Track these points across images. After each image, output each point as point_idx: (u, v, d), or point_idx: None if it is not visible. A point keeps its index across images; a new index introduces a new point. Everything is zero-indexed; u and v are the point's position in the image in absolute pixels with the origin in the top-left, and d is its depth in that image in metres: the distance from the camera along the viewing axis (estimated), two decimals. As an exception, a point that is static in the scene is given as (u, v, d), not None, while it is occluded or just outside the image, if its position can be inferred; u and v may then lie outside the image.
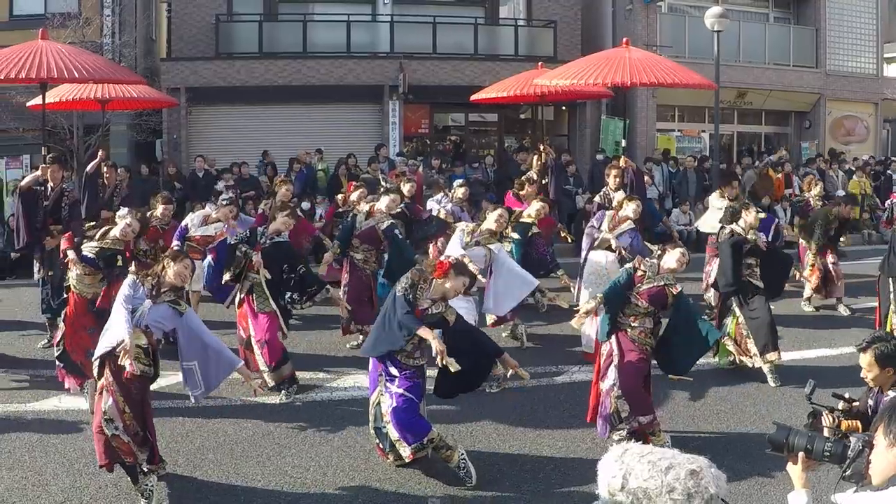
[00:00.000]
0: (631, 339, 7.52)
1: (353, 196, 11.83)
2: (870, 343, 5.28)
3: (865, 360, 5.30)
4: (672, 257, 7.60)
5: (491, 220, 10.05)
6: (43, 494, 6.74)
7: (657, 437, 7.47)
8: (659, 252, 7.82)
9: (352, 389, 9.26)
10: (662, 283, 7.54)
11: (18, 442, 7.80)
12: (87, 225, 9.75)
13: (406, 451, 6.91)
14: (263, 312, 9.06)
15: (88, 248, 8.71)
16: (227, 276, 9.39)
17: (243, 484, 6.95)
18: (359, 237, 10.65)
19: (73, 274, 8.80)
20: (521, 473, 7.14)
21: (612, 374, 7.56)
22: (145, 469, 6.58)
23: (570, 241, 14.15)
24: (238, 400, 8.99)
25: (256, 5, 24.26)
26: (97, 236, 8.74)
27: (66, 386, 9.02)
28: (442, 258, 7.16)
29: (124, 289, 6.66)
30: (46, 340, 10.84)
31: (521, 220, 11.59)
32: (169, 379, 8.68)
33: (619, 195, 11.15)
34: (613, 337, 7.57)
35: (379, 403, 7.03)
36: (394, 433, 6.91)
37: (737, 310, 9.85)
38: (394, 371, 6.95)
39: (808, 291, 13.17)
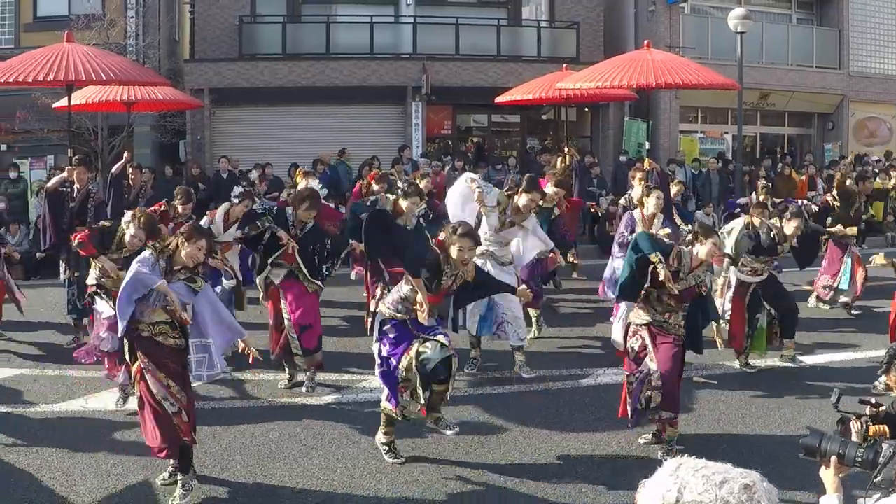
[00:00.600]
0: (665, 330, 7.48)
1: (375, 188, 11.80)
2: (889, 363, 5.26)
3: (894, 378, 5.28)
4: (704, 248, 7.43)
5: (523, 200, 9.72)
6: (71, 495, 6.75)
7: (670, 431, 7.48)
8: (690, 237, 7.70)
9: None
10: (693, 282, 7.45)
11: (45, 443, 7.81)
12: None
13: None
14: (312, 293, 9.25)
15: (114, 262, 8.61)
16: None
17: (270, 485, 6.97)
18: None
19: (103, 279, 8.69)
20: (548, 476, 7.12)
21: (648, 365, 7.44)
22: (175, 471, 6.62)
23: (599, 214, 14.46)
24: (265, 401, 9.02)
25: (280, 6, 24.34)
26: (113, 249, 8.65)
27: (120, 379, 8.49)
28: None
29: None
30: (71, 339, 10.93)
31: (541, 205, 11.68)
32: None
33: (637, 192, 11.04)
34: (646, 331, 7.49)
35: (420, 354, 6.98)
36: (455, 364, 7.09)
37: (765, 303, 9.89)
38: (425, 332, 7.13)
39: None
